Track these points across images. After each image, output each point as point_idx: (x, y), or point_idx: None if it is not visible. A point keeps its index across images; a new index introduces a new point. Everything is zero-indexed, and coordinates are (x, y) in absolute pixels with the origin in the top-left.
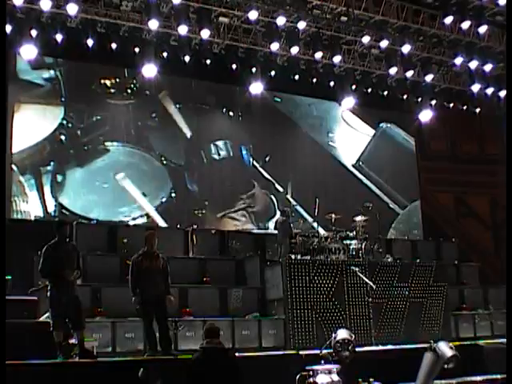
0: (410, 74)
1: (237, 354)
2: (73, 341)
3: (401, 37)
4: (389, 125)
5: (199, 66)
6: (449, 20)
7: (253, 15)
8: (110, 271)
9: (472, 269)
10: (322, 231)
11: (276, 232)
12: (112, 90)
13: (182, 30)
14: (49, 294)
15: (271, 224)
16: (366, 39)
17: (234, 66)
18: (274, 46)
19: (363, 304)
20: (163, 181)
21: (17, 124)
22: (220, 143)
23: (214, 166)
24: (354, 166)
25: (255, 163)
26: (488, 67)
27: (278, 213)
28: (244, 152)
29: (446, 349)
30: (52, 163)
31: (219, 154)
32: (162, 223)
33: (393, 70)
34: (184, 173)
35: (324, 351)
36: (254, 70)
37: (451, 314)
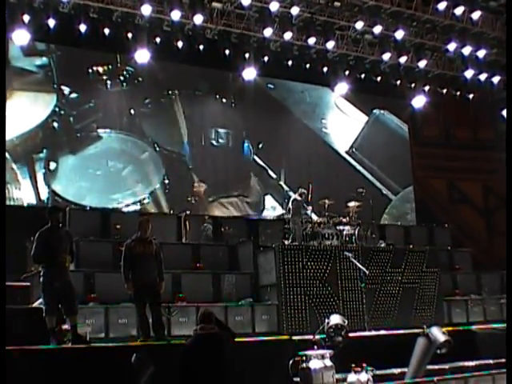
0: (403, 59)
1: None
2: (66, 326)
3: (394, 22)
4: (382, 111)
5: (192, 51)
6: (442, 5)
7: (246, 0)
8: (102, 257)
9: (465, 254)
10: (314, 217)
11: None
12: (104, 77)
13: (175, 15)
14: (41, 279)
15: (265, 212)
16: (359, 25)
17: (226, 52)
18: (267, 32)
19: (356, 289)
20: (156, 167)
21: (9, 111)
22: (221, 131)
23: (208, 153)
24: (347, 152)
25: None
26: (481, 53)
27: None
28: (246, 145)
29: (438, 334)
30: (44, 150)
31: (218, 141)
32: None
33: (386, 56)
34: (177, 159)
35: (317, 336)
36: (247, 55)
37: (444, 299)
